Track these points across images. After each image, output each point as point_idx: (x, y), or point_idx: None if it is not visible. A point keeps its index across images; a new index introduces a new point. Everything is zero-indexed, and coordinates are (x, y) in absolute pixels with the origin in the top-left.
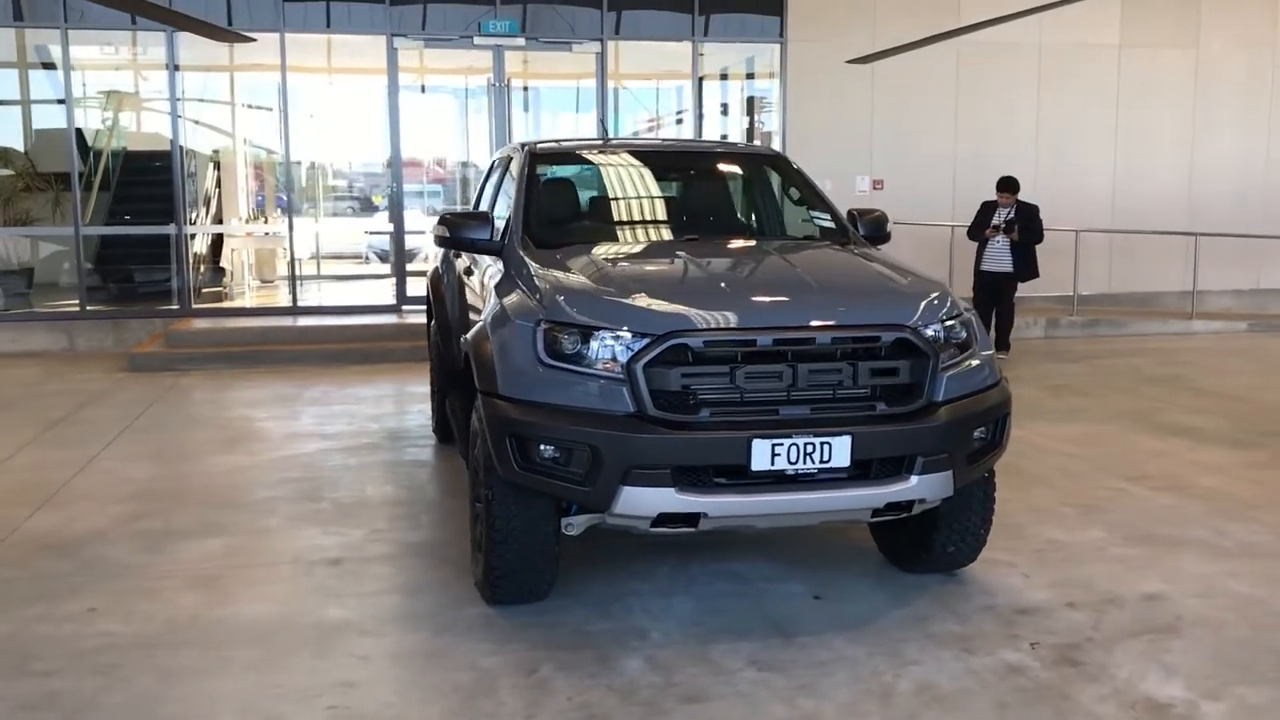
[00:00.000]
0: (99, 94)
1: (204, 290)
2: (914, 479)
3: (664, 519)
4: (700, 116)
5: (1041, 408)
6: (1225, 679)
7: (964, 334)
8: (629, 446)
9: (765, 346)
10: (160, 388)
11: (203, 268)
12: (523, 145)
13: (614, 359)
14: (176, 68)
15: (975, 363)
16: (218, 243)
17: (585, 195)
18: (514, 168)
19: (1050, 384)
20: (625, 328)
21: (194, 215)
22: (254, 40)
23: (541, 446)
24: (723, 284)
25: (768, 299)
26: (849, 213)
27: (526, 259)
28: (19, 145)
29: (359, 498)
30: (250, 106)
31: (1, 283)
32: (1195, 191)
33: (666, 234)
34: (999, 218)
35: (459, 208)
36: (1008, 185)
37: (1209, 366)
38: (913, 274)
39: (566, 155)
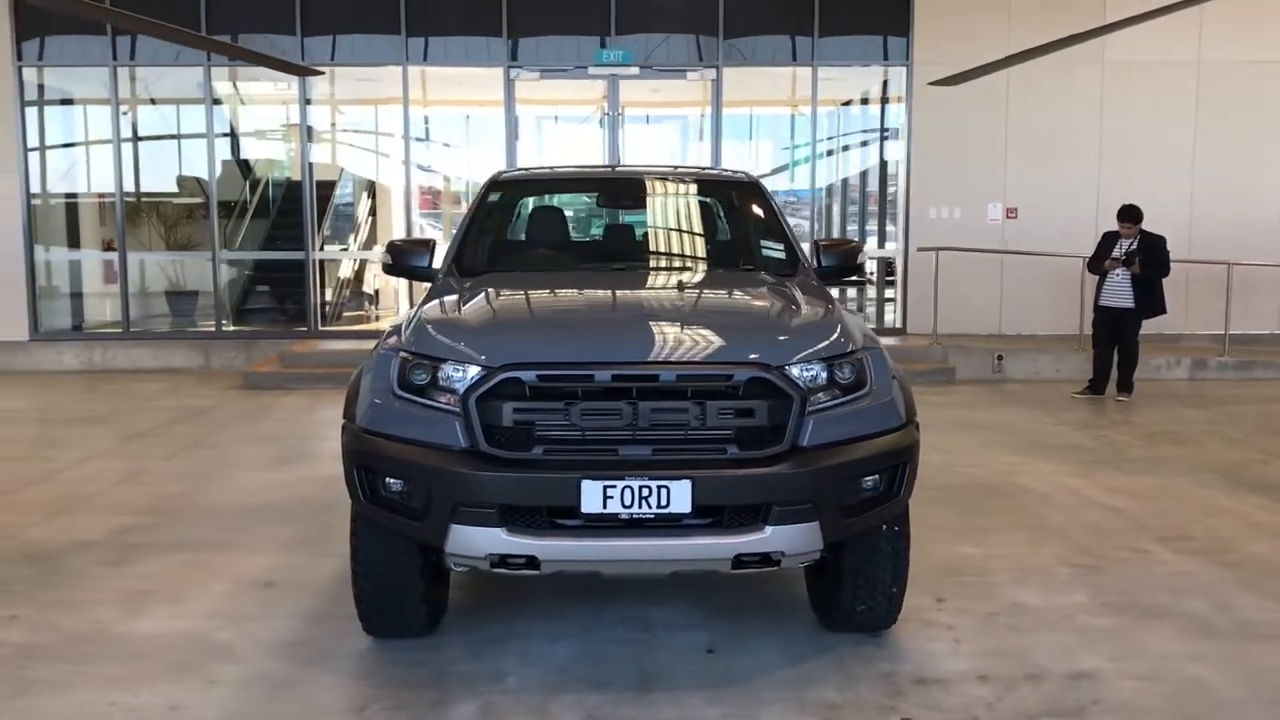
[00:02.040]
0: (254, 130)
1: (345, 314)
2: (769, 530)
3: (504, 560)
4: (818, 142)
5: (1122, 455)
6: None
7: (852, 374)
8: (455, 483)
9: (604, 383)
10: (257, 405)
11: (345, 291)
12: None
13: (453, 392)
14: (309, 102)
15: (866, 404)
16: (363, 267)
17: (530, 224)
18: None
19: (1151, 430)
20: (464, 360)
21: (348, 239)
22: (322, 74)
23: (387, 480)
24: (589, 318)
25: (623, 334)
26: (814, 243)
27: (438, 288)
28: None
29: None
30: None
31: (171, 303)
32: None
33: (593, 264)
34: (1120, 249)
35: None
36: (1129, 214)
37: None
38: (816, 310)
39: (521, 184)
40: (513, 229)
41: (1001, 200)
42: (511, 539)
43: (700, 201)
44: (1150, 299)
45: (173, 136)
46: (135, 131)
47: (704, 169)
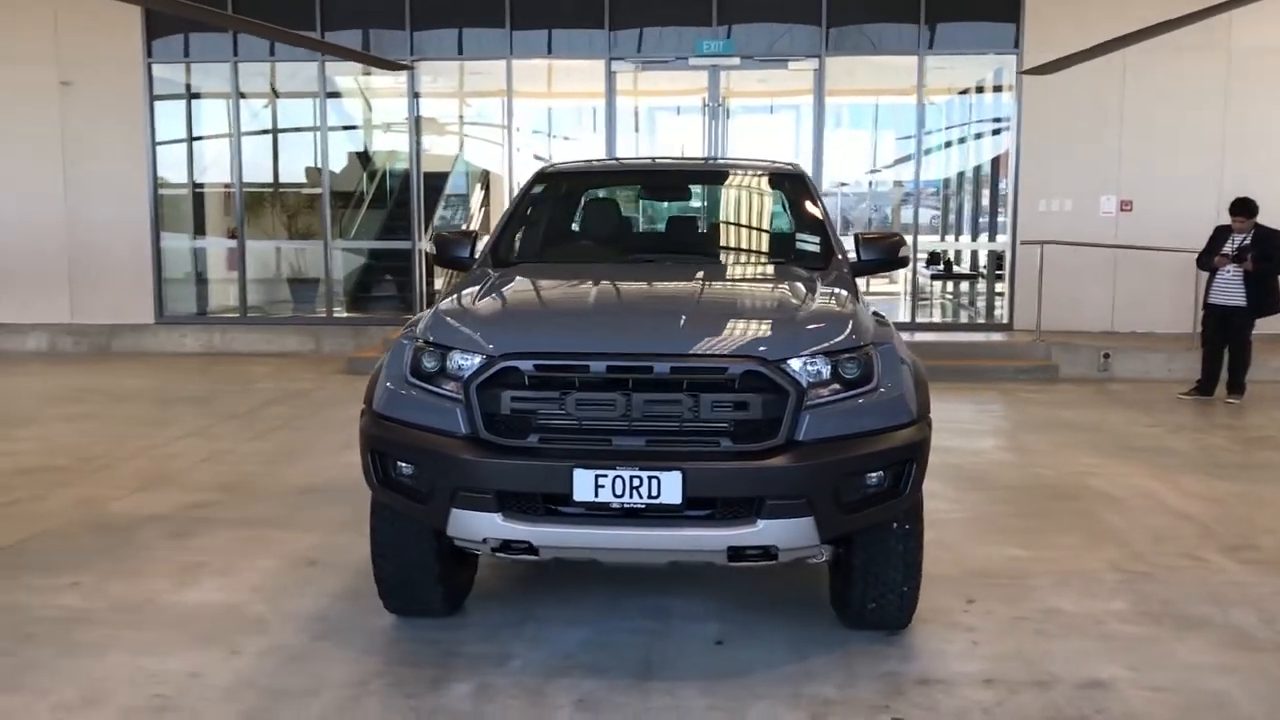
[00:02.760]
0: (371, 122)
1: None
2: (761, 523)
3: (504, 545)
4: (924, 134)
5: (1212, 460)
6: None
7: (857, 370)
8: (455, 468)
9: (599, 374)
10: (353, 390)
11: (452, 279)
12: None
13: (459, 380)
14: (417, 95)
15: (872, 400)
16: None
17: (568, 217)
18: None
19: (1252, 435)
20: (469, 349)
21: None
22: (410, 68)
23: (398, 464)
24: (593, 309)
25: (622, 326)
26: (855, 236)
27: (466, 279)
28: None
29: None
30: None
31: (292, 290)
32: None
33: (624, 257)
34: (1231, 245)
35: None
36: (1243, 208)
37: None
38: (828, 304)
39: (563, 176)
40: (552, 221)
41: (1115, 193)
42: (507, 524)
43: (741, 194)
44: (1264, 297)
45: (292, 130)
46: (256, 124)
47: (750, 161)
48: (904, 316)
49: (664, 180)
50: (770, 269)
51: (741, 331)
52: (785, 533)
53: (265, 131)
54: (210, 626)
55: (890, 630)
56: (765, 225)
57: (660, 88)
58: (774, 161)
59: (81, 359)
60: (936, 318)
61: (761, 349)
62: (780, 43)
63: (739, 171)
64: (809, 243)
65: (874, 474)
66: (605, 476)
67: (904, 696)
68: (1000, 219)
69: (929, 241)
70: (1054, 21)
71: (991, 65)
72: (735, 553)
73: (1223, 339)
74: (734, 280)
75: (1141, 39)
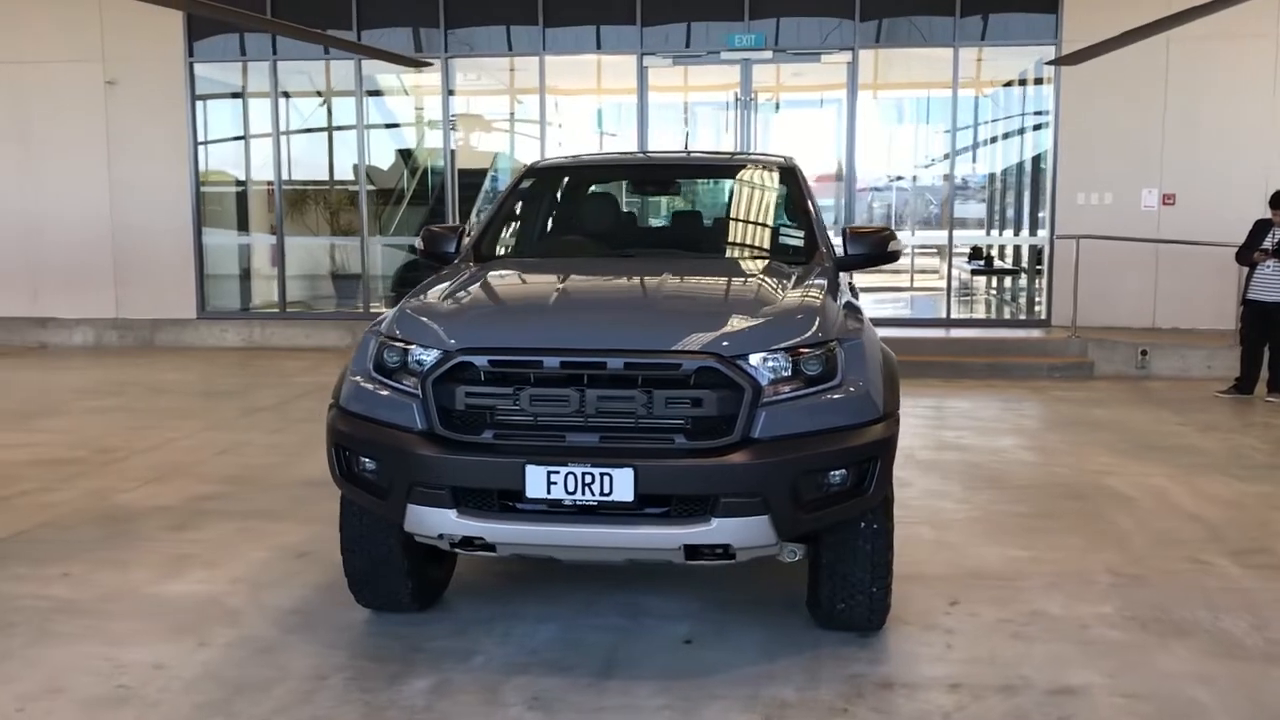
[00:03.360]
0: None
1: None
2: (715, 521)
3: (463, 542)
4: (960, 128)
5: (1238, 461)
6: None
7: (819, 366)
8: (411, 463)
9: (553, 370)
10: None
11: None
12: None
13: (418, 375)
14: (451, 92)
15: (835, 397)
16: None
17: (554, 211)
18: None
19: None
20: (428, 344)
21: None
22: (431, 65)
23: (360, 458)
24: (559, 305)
25: (578, 321)
26: (843, 230)
27: (441, 274)
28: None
29: None
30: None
31: (334, 285)
32: None
33: (604, 252)
34: (1272, 239)
35: None
36: None
37: None
38: (795, 299)
39: (553, 170)
40: (534, 216)
41: (1158, 186)
42: (462, 521)
43: (729, 188)
44: None
45: (330, 129)
46: (296, 122)
47: (741, 155)
48: (941, 312)
49: (650, 175)
50: (748, 263)
51: (700, 327)
52: (740, 531)
53: (306, 131)
54: (184, 618)
55: (863, 632)
56: (750, 219)
57: (692, 83)
58: (766, 155)
59: (125, 353)
60: (980, 314)
61: (718, 345)
62: (812, 37)
63: (728, 166)
64: (793, 237)
65: (835, 472)
66: (558, 473)
67: (863, 700)
68: (1041, 214)
69: (973, 236)
70: (1093, 11)
71: (1032, 57)
72: (692, 551)
73: (1263, 336)
74: (706, 275)
75: (1164, 28)
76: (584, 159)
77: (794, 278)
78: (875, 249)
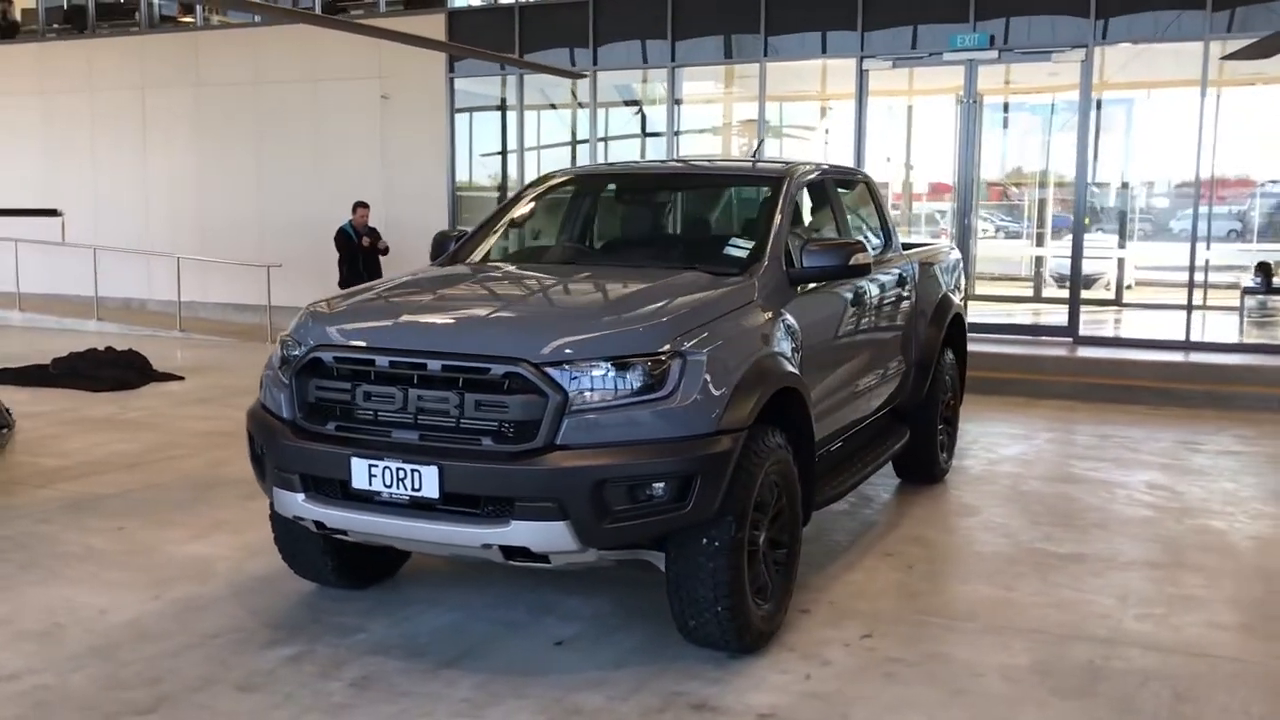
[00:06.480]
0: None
1: None
2: (513, 524)
3: (317, 525)
4: (1204, 127)
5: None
6: None
7: (646, 377)
8: (273, 449)
9: (383, 368)
10: None
11: None
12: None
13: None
14: (679, 102)
15: (660, 409)
16: None
17: (526, 221)
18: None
19: None
20: (300, 339)
21: None
22: (585, 77)
23: (257, 443)
24: (411, 308)
25: (416, 323)
26: (803, 242)
27: (387, 277)
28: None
29: None
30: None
31: None
32: None
33: (547, 260)
34: None
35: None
36: None
37: None
38: (644, 308)
39: (547, 180)
40: (511, 224)
41: None
42: (306, 505)
43: (707, 199)
44: None
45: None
46: (547, 135)
47: (739, 166)
48: (1179, 334)
49: (638, 185)
50: (665, 274)
51: (523, 334)
52: (537, 535)
53: (552, 145)
54: (170, 574)
55: (729, 651)
56: (707, 231)
57: (916, 86)
58: (770, 163)
59: None
60: (1254, 338)
61: (531, 351)
62: (1043, 35)
63: (712, 177)
64: (740, 248)
65: (658, 484)
66: (377, 467)
67: (661, 716)
68: None
69: (1259, 251)
70: None
71: None
72: (508, 552)
73: None
74: (605, 285)
75: None
76: (583, 169)
77: (698, 289)
78: (831, 261)
